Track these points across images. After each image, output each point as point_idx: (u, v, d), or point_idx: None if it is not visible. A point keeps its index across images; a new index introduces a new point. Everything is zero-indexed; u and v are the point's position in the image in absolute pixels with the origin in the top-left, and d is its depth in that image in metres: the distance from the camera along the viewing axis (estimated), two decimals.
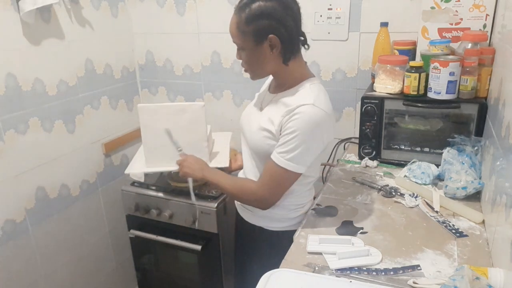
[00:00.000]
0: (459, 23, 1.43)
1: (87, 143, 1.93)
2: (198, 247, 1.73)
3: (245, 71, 1.20)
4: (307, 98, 1.09)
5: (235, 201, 1.39)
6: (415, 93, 1.38)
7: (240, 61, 1.19)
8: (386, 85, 1.45)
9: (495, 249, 0.96)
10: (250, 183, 1.22)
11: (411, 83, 1.37)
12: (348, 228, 1.13)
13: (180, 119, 1.48)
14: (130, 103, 2.17)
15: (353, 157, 1.60)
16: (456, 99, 1.34)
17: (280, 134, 1.12)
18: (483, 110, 1.31)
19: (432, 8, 1.45)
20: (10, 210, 1.59)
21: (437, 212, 1.19)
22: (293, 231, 1.17)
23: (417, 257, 0.99)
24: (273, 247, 1.27)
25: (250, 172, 1.29)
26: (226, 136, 1.80)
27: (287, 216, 1.26)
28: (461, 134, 1.32)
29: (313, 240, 1.06)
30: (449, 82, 1.31)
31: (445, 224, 1.12)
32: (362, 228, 1.13)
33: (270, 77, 1.30)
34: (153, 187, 1.83)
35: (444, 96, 1.33)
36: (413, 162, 1.42)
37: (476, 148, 1.28)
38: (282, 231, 1.27)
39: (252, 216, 1.32)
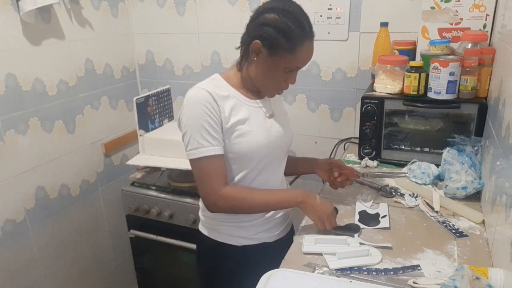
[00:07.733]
0: (459, 23, 1.43)
1: (87, 143, 1.93)
2: None
3: (285, 89, 1.15)
4: None
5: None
6: (415, 93, 1.38)
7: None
8: (386, 85, 1.45)
9: (495, 249, 0.96)
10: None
11: (411, 83, 1.37)
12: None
13: None
14: (130, 103, 2.17)
15: (353, 157, 1.60)
16: (456, 99, 1.34)
17: None
18: (483, 110, 1.31)
19: (432, 8, 1.45)
20: (10, 210, 1.59)
21: (437, 212, 1.19)
22: None
23: (417, 257, 0.99)
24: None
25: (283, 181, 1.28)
26: None
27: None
28: (461, 134, 1.32)
29: (309, 241, 1.06)
30: (449, 82, 1.31)
31: (445, 224, 1.12)
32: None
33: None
34: (153, 187, 1.83)
35: (444, 96, 1.33)
36: (413, 162, 1.42)
37: (476, 148, 1.28)
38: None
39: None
